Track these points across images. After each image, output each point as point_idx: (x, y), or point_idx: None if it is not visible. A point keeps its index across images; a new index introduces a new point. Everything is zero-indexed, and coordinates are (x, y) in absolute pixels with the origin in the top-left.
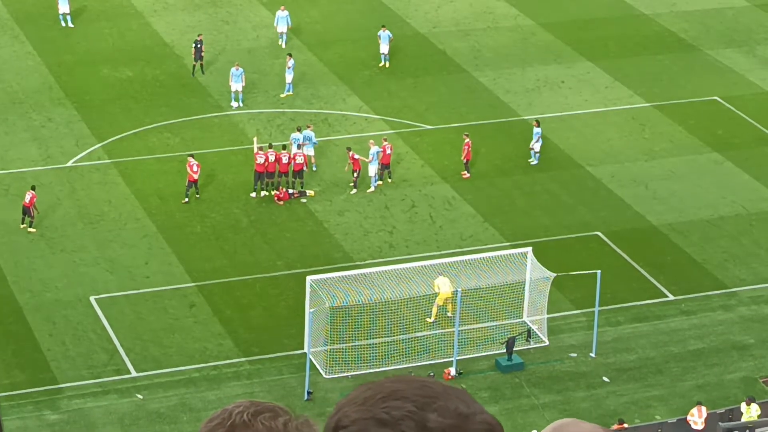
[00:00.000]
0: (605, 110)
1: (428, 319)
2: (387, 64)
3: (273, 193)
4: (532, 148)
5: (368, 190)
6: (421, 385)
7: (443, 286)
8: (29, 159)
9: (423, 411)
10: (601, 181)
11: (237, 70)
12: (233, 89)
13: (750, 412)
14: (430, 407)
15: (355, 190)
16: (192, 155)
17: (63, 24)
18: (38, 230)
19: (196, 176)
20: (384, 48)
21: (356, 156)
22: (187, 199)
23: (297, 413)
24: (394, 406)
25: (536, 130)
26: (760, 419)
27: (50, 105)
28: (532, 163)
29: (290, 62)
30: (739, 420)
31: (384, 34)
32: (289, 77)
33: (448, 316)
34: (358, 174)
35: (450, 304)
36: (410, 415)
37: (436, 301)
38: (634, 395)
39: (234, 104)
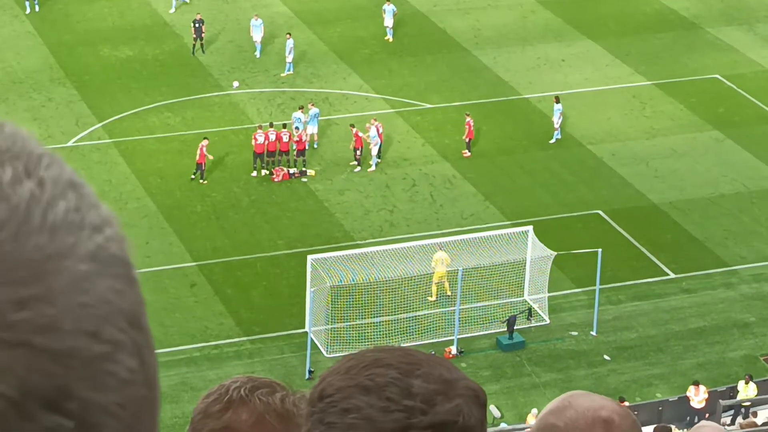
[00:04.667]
0: (606, 89)
1: (430, 298)
2: (391, 38)
3: (274, 170)
4: (557, 127)
5: (369, 169)
6: (404, 353)
7: (439, 264)
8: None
9: (407, 377)
10: (601, 159)
11: (256, 21)
12: (254, 40)
13: (747, 391)
14: (413, 374)
15: (359, 168)
16: (206, 138)
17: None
18: None
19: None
20: (388, 21)
21: (360, 134)
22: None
23: (294, 389)
24: (378, 373)
25: (557, 106)
26: (759, 397)
27: (50, 85)
28: (551, 141)
29: (290, 42)
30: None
31: (389, 8)
32: (289, 57)
33: (446, 296)
34: (361, 152)
35: (446, 283)
36: (394, 381)
37: (433, 279)
38: (635, 373)
39: (257, 55)
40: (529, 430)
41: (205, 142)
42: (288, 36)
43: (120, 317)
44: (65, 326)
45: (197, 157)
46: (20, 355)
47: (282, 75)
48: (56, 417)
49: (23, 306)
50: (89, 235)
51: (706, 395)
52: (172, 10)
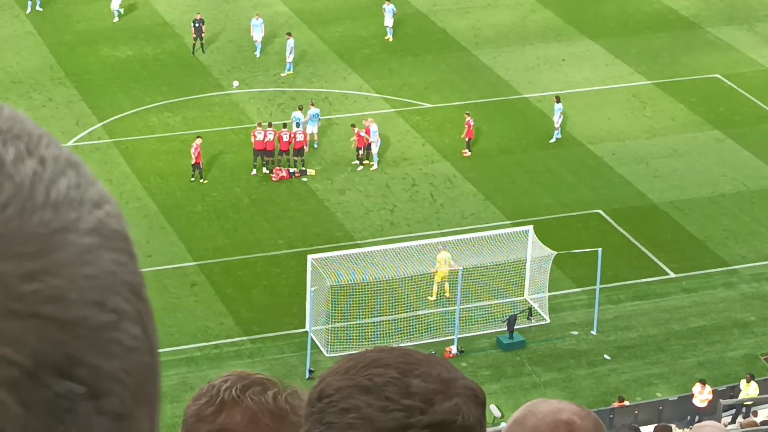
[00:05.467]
0: (606, 88)
1: (430, 298)
2: (391, 38)
3: (273, 170)
4: (558, 127)
5: (371, 168)
6: (402, 353)
7: (443, 264)
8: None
9: (406, 377)
10: (602, 159)
11: (257, 20)
12: (255, 39)
13: (748, 390)
14: (412, 373)
15: (361, 167)
16: (199, 137)
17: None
18: None
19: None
20: (388, 21)
21: (362, 133)
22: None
23: (284, 383)
24: (377, 373)
25: (557, 106)
26: (760, 396)
27: (50, 85)
28: (552, 141)
29: (290, 41)
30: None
31: (388, 8)
32: (290, 57)
33: (445, 297)
34: (363, 151)
35: (447, 284)
36: (393, 381)
37: (435, 278)
38: (635, 373)
39: (257, 54)
40: None
41: (198, 141)
42: (288, 36)
43: (124, 288)
44: (72, 296)
45: (192, 159)
46: (31, 325)
47: (282, 75)
48: (67, 383)
49: (32, 278)
50: (90, 210)
51: (711, 396)
52: (116, 19)
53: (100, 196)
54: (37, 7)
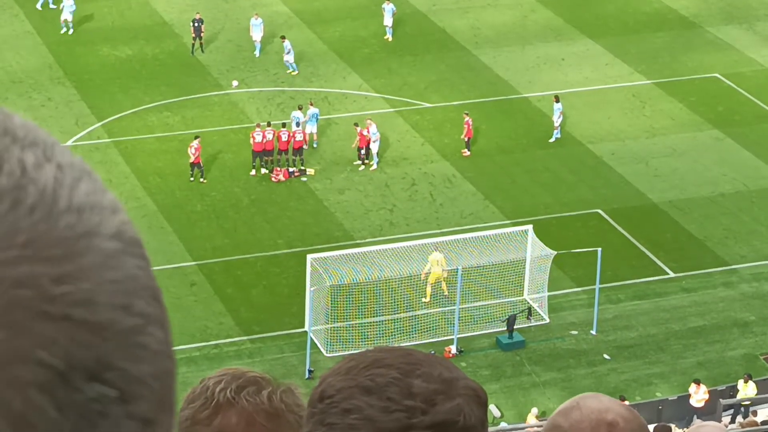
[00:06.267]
0: (605, 88)
1: (424, 300)
2: (391, 38)
3: (273, 170)
4: (557, 127)
5: (371, 168)
6: (403, 353)
7: (435, 265)
8: None
9: (407, 377)
10: (601, 158)
11: (256, 20)
12: (254, 39)
13: (746, 390)
14: (413, 374)
15: (363, 167)
16: (197, 137)
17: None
18: None
19: (193, 158)
20: (388, 20)
21: (364, 132)
22: (203, 179)
23: (279, 380)
24: (378, 373)
25: (556, 105)
26: (758, 396)
27: (50, 84)
28: (551, 141)
29: (286, 44)
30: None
31: (388, 8)
32: (290, 58)
33: (445, 296)
34: (365, 150)
35: (444, 283)
36: (395, 381)
37: (428, 280)
38: (635, 372)
39: (257, 54)
40: (530, 429)
41: (197, 141)
42: (282, 39)
43: (146, 292)
44: (100, 300)
45: (192, 158)
46: (63, 328)
47: (293, 74)
48: (100, 386)
49: (62, 281)
50: (110, 216)
51: (707, 395)
52: (67, 30)
53: (114, 203)
54: (50, 5)
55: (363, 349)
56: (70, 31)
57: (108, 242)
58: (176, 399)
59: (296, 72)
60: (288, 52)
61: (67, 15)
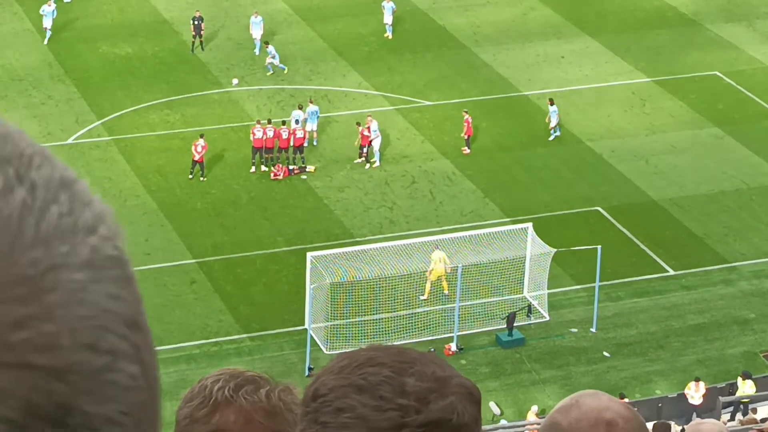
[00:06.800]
0: (605, 85)
1: (422, 297)
2: (390, 35)
3: (271, 169)
4: (553, 127)
5: (373, 165)
6: (396, 352)
7: (438, 263)
8: (29, 136)
9: (400, 376)
10: (601, 156)
11: (256, 18)
12: (254, 37)
13: (744, 387)
14: (406, 372)
15: (368, 165)
16: (202, 135)
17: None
18: None
19: (199, 156)
20: (388, 18)
21: (365, 133)
22: (203, 178)
23: (276, 379)
24: (371, 372)
25: (552, 108)
26: (758, 393)
27: (50, 82)
28: (550, 139)
29: (269, 49)
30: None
31: (388, 5)
32: (275, 61)
33: (444, 294)
34: (367, 148)
35: (444, 281)
36: (387, 380)
37: (429, 277)
38: (635, 370)
39: (257, 52)
40: (529, 426)
41: (202, 140)
42: (266, 45)
43: (119, 323)
44: (64, 343)
45: (196, 156)
46: (22, 377)
47: (282, 71)
48: None
49: (22, 325)
50: (83, 239)
51: (704, 390)
52: (45, 42)
53: (95, 217)
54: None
55: (358, 348)
56: (45, 41)
57: (77, 273)
58: (158, 423)
59: (276, 72)
60: (273, 57)
61: (47, 23)
